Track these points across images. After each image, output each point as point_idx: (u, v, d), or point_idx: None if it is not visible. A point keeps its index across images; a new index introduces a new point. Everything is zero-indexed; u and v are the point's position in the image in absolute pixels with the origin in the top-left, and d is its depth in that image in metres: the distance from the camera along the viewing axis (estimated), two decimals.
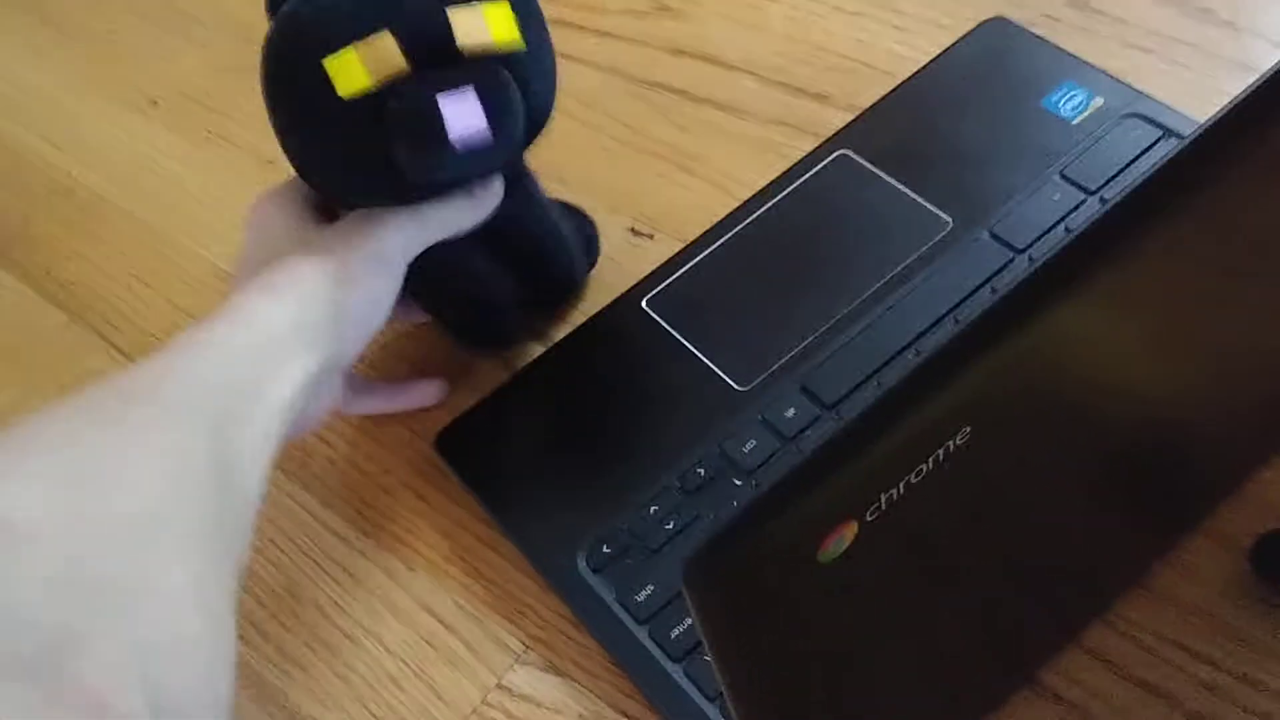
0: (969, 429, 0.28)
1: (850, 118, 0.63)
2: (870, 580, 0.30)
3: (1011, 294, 0.28)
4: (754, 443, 0.53)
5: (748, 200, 0.61)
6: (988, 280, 0.54)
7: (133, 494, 0.39)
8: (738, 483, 0.52)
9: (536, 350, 0.60)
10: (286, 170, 0.72)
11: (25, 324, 0.70)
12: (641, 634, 0.49)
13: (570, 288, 0.62)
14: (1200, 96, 0.59)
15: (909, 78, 0.64)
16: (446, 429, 0.58)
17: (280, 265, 0.50)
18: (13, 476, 0.38)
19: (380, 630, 0.54)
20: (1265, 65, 0.60)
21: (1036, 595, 0.43)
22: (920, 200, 0.58)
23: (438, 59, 0.46)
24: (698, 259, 0.60)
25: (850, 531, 0.27)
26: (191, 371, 0.45)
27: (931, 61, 0.64)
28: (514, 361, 0.61)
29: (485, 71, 0.47)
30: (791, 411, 0.53)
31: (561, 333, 0.60)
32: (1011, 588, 0.40)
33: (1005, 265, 0.54)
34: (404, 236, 0.51)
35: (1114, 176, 0.55)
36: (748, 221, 0.60)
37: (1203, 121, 0.31)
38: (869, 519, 0.27)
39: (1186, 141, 0.30)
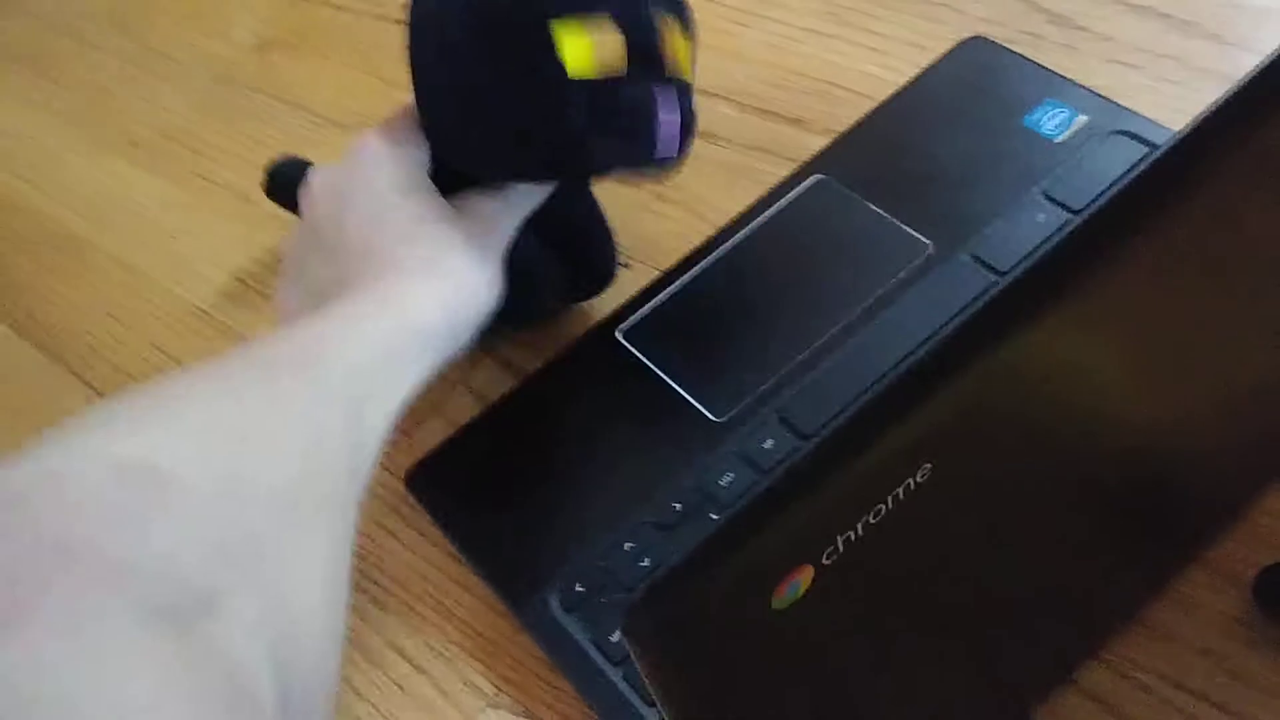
0: (929, 465, 0.26)
1: (828, 141, 0.62)
2: (832, 626, 0.29)
3: (970, 321, 0.27)
4: (731, 476, 0.51)
5: (724, 227, 0.60)
6: (970, 303, 0.53)
7: (278, 459, 0.39)
8: (715, 517, 0.50)
9: (508, 382, 0.59)
10: (265, 208, 0.71)
11: (3, 363, 0.70)
12: (615, 676, 0.48)
13: (607, 276, 0.60)
14: (1187, 112, 0.56)
15: (887, 100, 0.62)
16: (417, 465, 0.56)
17: (427, 245, 0.49)
18: (164, 426, 0.37)
19: (349, 673, 0.52)
20: None
21: (1021, 635, 0.41)
22: (900, 224, 0.57)
23: (648, 69, 0.49)
24: (673, 288, 0.58)
25: (806, 576, 0.26)
26: (341, 350, 0.45)
27: (910, 83, 0.62)
28: (485, 394, 0.59)
29: (688, 106, 0.51)
30: (770, 443, 0.51)
31: (534, 364, 0.59)
32: (991, 629, 0.38)
33: (988, 288, 0.53)
34: (515, 220, 0.53)
35: (1100, 195, 0.54)
36: (724, 249, 0.59)
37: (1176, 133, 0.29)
38: (825, 562, 0.26)
39: (1157, 154, 0.29)
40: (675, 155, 0.51)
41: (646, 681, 0.27)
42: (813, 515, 0.26)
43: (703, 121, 0.66)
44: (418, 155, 0.52)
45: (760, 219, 0.59)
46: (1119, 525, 0.41)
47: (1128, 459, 0.37)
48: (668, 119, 0.49)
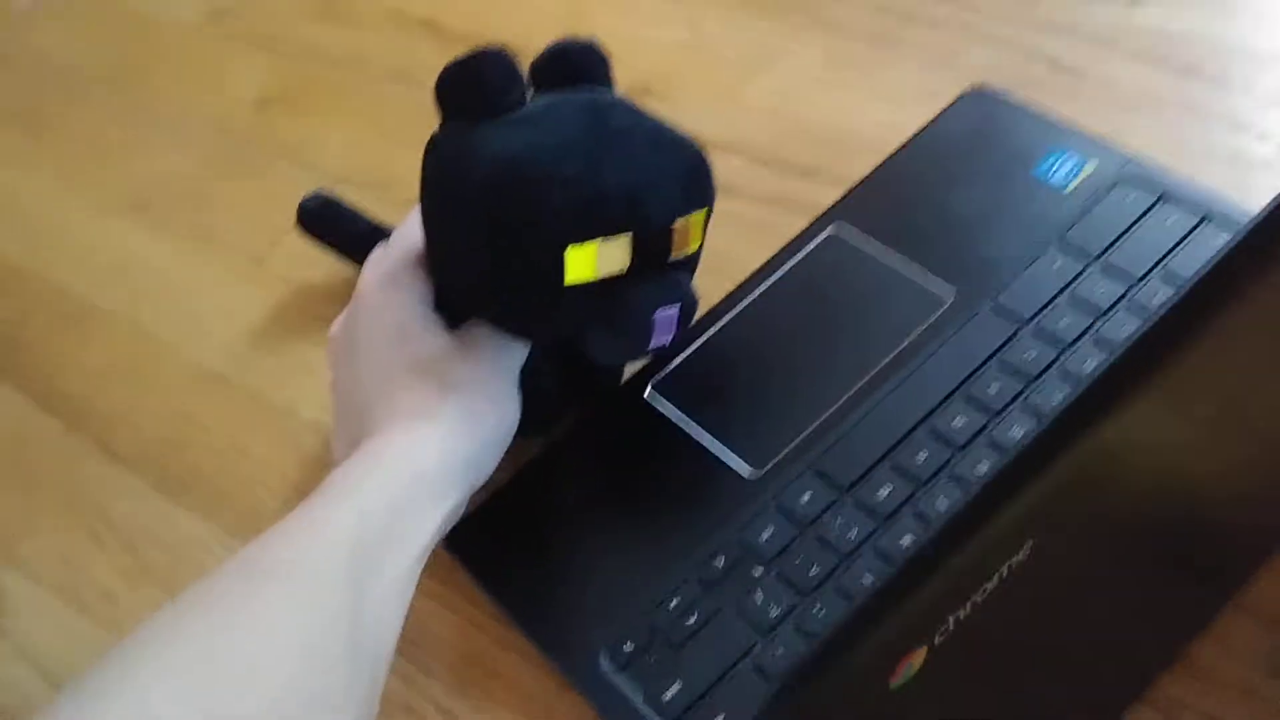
0: (1031, 542, 0.28)
1: (840, 191, 0.63)
2: (936, 702, 0.30)
3: (1064, 412, 0.28)
4: (771, 530, 0.52)
5: (745, 281, 0.61)
6: (995, 352, 0.54)
7: (263, 684, 0.40)
8: (757, 572, 0.51)
9: (540, 444, 0.60)
10: (275, 267, 0.72)
11: (22, 432, 0.70)
12: None
13: (611, 382, 0.61)
14: (1192, 156, 0.59)
15: (896, 151, 0.64)
16: (458, 527, 0.56)
17: (421, 394, 0.50)
18: (150, 679, 0.39)
19: None
20: (1254, 122, 0.61)
21: (1086, 684, 0.42)
22: (920, 274, 0.58)
23: (651, 262, 0.50)
24: (699, 343, 0.59)
25: (920, 657, 0.27)
26: (334, 528, 0.45)
27: (918, 133, 0.64)
28: (519, 456, 0.60)
29: (688, 291, 0.52)
30: (807, 496, 0.53)
31: (566, 424, 0.60)
32: (1066, 683, 0.39)
33: (1012, 336, 0.54)
34: (524, 353, 0.53)
35: (1114, 242, 0.56)
36: (747, 302, 0.60)
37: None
38: (937, 643, 0.27)
39: (1225, 250, 0.30)
40: (668, 342, 0.53)
41: None
42: (928, 601, 0.27)
43: (716, 175, 0.68)
44: (418, 294, 0.53)
45: (781, 271, 0.60)
46: (1171, 571, 0.43)
47: (1187, 516, 0.39)
48: (664, 315, 0.51)
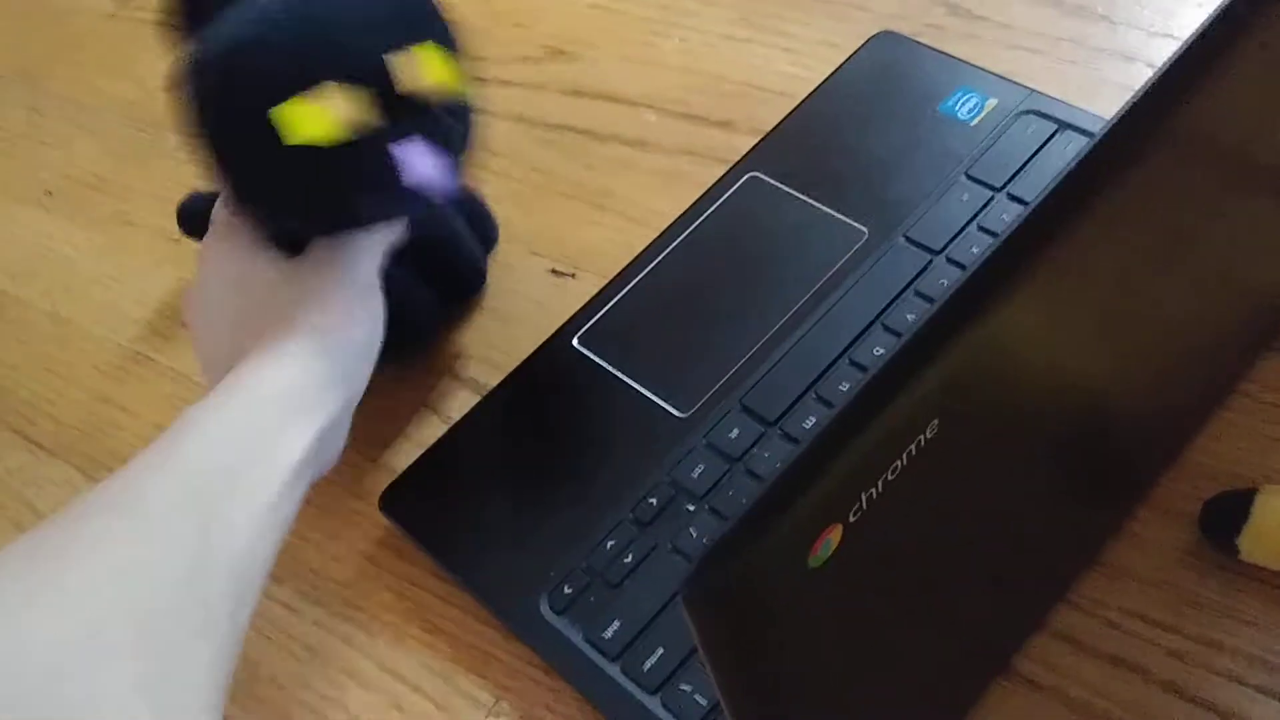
0: (937, 421, 0.29)
1: (755, 141, 0.64)
2: (854, 582, 0.31)
3: (958, 292, 0.29)
4: (702, 467, 0.53)
5: (665, 230, 0.62)
6: (910, 283, 0.56)
7: (88, 610, 0.39)
8: (690, 509, 0.52)
9: (472, 400, 0.60)
10: (192, 245, 0.71)
11: None
12: (614, 670, 0.49)
13: (477, 280, 0.63)
14: (1087, 88, 0.61)
15: (807, 97, 0.65)
16: (391, 488, 0.57)
17: (272, 321, 0.50)
18: None
19: (346, 700, 0.53)
20: (1143, 53, 0.63)
21: (1004, 582, 0.43)
22: (834, 213, 0.59)
23: (390, 107, 0.48)
24: (624, 292, 0.60)
25: (836, 534, 0.28)
26: (179, 461, 0.45)
27: (827, 79, 0.65)
28: (450, 414, 0.60)
29: (439, 124, 0.49)
30: (735, 432, 0.54)
31: (495, 380, 0.60)
32: (982, 577, 0.41)
33: (925, 267, 0.56)
34: (374, 258, 0.53)
35: (1018, 172, 0.57)
36: (668, 251, 0.61)
37: (1104, 115, 0.32)
38: (852, 520, 0.28)
39: (1099, 135, 0.32)
40: (441, 185, 0.49)
41: (700, 647, 0.29)
42: (840, 477, 0.28)
43: (629, 130, 0.69)
44: (249, 237, 0.53)
45: (699, 219, 0.61)
46: (1084, 471, 0.44)
47: (1093, 410, 0.41)
48: (408, 150, 0.48)
